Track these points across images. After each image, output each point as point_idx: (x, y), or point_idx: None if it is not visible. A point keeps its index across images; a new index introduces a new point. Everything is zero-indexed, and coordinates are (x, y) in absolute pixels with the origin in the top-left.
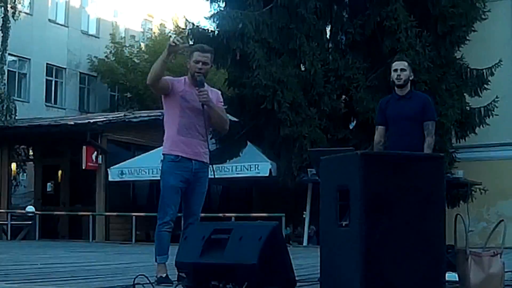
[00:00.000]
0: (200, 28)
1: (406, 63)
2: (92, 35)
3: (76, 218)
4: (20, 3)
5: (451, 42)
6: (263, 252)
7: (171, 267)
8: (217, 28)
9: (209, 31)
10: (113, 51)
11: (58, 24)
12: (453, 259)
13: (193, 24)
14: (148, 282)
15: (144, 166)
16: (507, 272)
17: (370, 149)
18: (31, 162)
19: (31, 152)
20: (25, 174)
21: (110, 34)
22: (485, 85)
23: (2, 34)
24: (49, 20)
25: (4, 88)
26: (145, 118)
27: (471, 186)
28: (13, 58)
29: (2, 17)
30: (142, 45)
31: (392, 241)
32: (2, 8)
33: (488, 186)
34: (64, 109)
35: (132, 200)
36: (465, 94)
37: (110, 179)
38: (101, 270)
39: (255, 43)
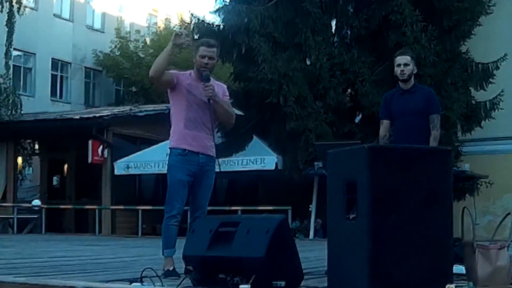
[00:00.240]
0: (205, 22)
1: (409, 57)
2: (97, 30)
3: (82, 212)
4: None
5: (456, 36)
6: (270, 245)
7: (178, 261)
8: (222, 22)
9: (214, 25)
10: (118, 46)
11: (63, 19)
12: (460, 252)
13: (198, 18)
14: (155, 275)
15: (150, 160)
16: None
17: (376, 143)
18: (37, 156)
19: (37, 146)
20: (31, 168)
21: (115, 29)
22: (491, 79)
23: (7, 29)
24: (54, 15)
25: (9, 82)
26: (151, 112)
27: (477, 179)
28: (19, 53)
29: (7, 12)
30: (147, 39)
31: (399, 234)
32: (7, 3)
33: (494, 179)
34: (70, 103)
35: (138, 193)
36: (470, 88)
37: (116, 173)
38: (108, 263)
39: (261, 38)
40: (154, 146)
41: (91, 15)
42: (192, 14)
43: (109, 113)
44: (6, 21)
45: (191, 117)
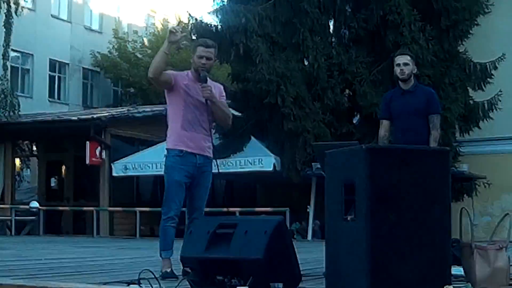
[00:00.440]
0: (203, 23)
1: (409, 57)
2: (95, 31)
3: (80, 214)
4: None
5: (454, 36)
6: (268, 246)
7: (176, 262)
8: (220, 23)
9: (212, 26)
10: (116, 47)
11: (61, 19)
12: (459, 253)
13: (196, 19)
14: (153, 277)
15: (148, 161)
16: None
17: (374, 143)
18: (35, 158)
19: (34, 148)
20: (28, 169)
21: (113, 30)
22: (489, 79)
23: (5, 30)
24: (52, 15)
25: (7, 83)
26: (149, 113)
27: (475, 180)
28: (16, 53)
29: (5, 13)
30: (145, 40)
31: (398, 235)
32: (5, 3)
33: (492, 180)
34: (68, 104)
35: (136, 195)
36: (468, 88)
37: (114, 174)
38: (106, 265)
39: (258, 38)
40: (152, 147)
41: (89, 15)
42: (190, 15)
43: (107, 114)
44: (4, 22)
45: (188, 118)
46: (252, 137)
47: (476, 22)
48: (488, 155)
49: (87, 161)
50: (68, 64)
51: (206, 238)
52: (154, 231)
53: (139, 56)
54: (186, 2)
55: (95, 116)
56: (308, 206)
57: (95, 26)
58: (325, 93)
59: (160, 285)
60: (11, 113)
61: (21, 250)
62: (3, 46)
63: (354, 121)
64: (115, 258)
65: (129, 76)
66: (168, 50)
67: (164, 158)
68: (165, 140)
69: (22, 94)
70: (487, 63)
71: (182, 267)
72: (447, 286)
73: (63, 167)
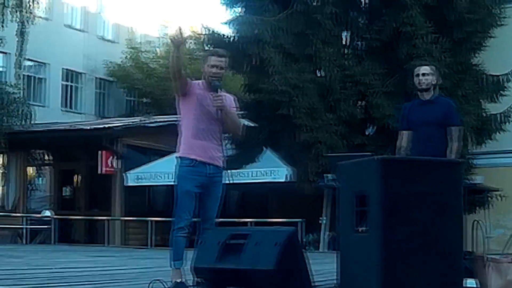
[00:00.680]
0: (217, 34)
1: (429, 68)
2: (109, 40)
3: (93, 223)
4: (36, 7)
5: (468, 48)
6: (280, 257)
7: (187, 272)
8: (234, 33)
9: (226, 36)
10: (130, 57)
11: (75, 29)
12: (472, 266)
13: (209, 29)
14: (163, 287)
15: (160, 171)
16: None
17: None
18: (48, 167)
19: (48, 157)
20: (41, 178)
21: (127, 40)
22: (502, 91)
23: (18, 39)
24: (66, 25)
25: (20, 92)
26: (162, 123)
27: (489, 192)
28: (31, 63)
29: (18, 22)
30: (159, 50)
31: (410, 247)
32: (19, 13)
33: (506, 192)
34: (81, 114)
35: (148, 204)
36: (482, 100)
37: (126, 183)
38: (117, 274)
39: (272, 49)
40: (165, 157)
41: (103, 25)
42: (203, 26)
43: (120, 124)
44: (18, 31)
45: (200, 127)
46: (265, 148)
47: (489, 34)
48: (501, 167)
49: (100, 171)
50: (82, 73)
51: (218, 248)
52: (166, 241)
53: (153, 66)
54: (200, 12)
55: (108, 125)
56: (321, 218)
57: (109, 36)
58: (338, 104)
59: None
60: (24, 122)
61: (32, 259)
62: (17, 55)
63: (367, 133)
64: (126, 268)
65: (143, 86)
66: (177, 53)
67: (175, 167)
68: None
69: (36, 103)
70: (500, 76)
71: (193, 278)
72: None
73: (76, 177)
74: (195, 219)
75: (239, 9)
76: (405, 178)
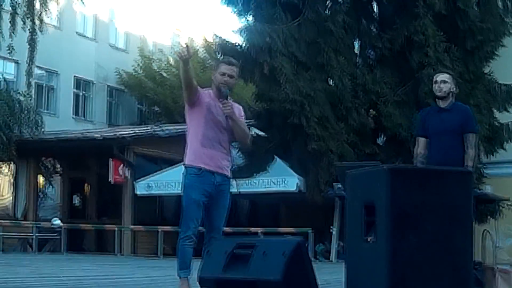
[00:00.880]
0: (228, 42)
1: (448, 75)
2: (120, 49)
3: (103, 232)
4: (46, 15)
5: (479, 57)
6: (287, 268)
7: (194, 282)
8: (245, 42)
9: (237, 45)
10: (141, 65)
11: (86, 37)
12: (481, 276)
13: (220, 38)
14: None
15: (171, 180)
16: None
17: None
18: (58, 175)
19: (58, 165)
20: (51, 187)
21: (139, 48)
22: None
23: (29, 47)
24: (77, 33)
25: (30, 100)
26: (173, 132)
27: (499, 201)
28: (42, 71)
29: (29, 30)
30: (171, 59)
31: (419, 258)
32: (29, 20)
33: None
34: (92, 122)
35: (159, 214)
36: (493, 109)
37: (137, 192)
38: (125, 283)
39: (283, 57)
40: (176, 166)
41: (114, 34)
42: (215, 34)
43: (130, 133)
44: (28, 39)
45: (208, 135)
46: (276, 157)
47: (501, 43)
48: (509, 177)
49: (110, 179)
50: (93, 82)
51: (224, 258)
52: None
53: (164, 75)
54: (212, 21)
55: (118, 134)
56: (331, 227)
57: (121, 44)
58: (349, 113)
59: None
60: (35, 130)
61: (41, 268)
62: (27, 63)
63: (379, 142)
64: (135, 277)
65: (154, 94)
66: (185, 67)
67: (182, 176)
68: None
69: (47, 112)
70: None
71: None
72: None
73: (86, 185)
74: (202, 228)
75: (250, 17)
76: (413, 187)
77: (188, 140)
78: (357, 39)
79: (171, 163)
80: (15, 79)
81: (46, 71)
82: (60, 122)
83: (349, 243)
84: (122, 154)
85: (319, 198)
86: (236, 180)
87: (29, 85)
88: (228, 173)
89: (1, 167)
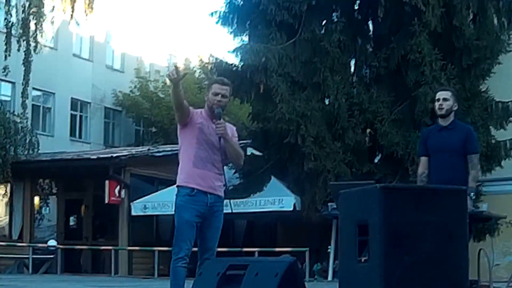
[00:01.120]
0: (224, 62)
1: (449, 93)
2: (116, 70)
3: (99, 252)
4: (41, 36)
5: (476, 75)
6: None
7: None
8: (240, 62)
9: (233, 65)
10: (138, 86)
11: (82, 58)
12: None
13: (216, 58)
14: None
15: (167, 200)
16: None
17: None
18: (54, 196)
19: (54, 186)
20: (48, 208)
21: (135, 69)
22: (510, 118)
23: (24, 68)
24: (73, 54)
25: (26, 121)
26: (169, 153)
27: (496, 220)
28: (38, 92)
29: (24, 51)
30: (167, 79)
31: (413, 277)
32: (24, 42)
33: None
34: (89, 143)
35: (155, 234)
36: (490, 127)
37: (133, 213)
38: None
39: (279, 77)
40: (172, 187)
41: (110, 55)
42: (210, 55)
43: (126, 153)
44: (23, 60)
45: (201, 156)
46: (273, 177)
47: (497, 61)
48: (510, 194)
49: (106, 200)
50: (89, 103)
51: (216, 280)
52: None
53: (161, 95)
54: (208, 41)
55: (114, 155)
56: (329, 246)
57: (117, 65)
58: (345, 132)
59: None
60: (31, 152)
61: None
62: (23, 84)
63: (376, 161)
64: None
65: (151, 115)
66: (176, 89)
67: (175, 197)
68: None
69: (44, 133)
70: (509, 102)
71: None
72: None
73: (83, 206)
74: (195, 249)
75: (246, 37)
76: (407, 206)
77: (180, 160)
78: (353, 58)
79: (167, 183)
80: (11, 100)
81: (43, 92)
82: (57, 143)
83: (342, 262)
84: (118, 175)
85: (315, 217)
86: (230, 201)
87: (24, 106)
88: (221, 194)
89: None
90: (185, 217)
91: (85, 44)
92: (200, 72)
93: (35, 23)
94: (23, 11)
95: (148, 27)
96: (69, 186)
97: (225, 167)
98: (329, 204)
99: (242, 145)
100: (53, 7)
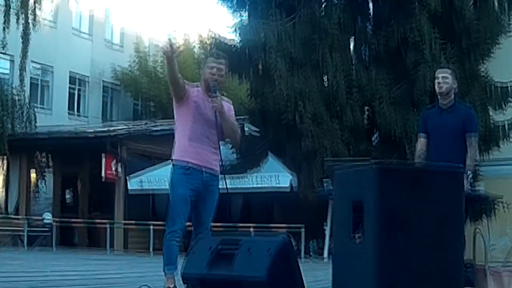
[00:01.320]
0: (223, 39)
1: (449, 71)
2: (116, 45)
3: (95, 228)
4: (41, 11)
5: (475, 57)
6: (272, 266)
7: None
8: (239, 39)
9: (231, 42)
10: (136, 62)
11: (82, 34)
12: (472, 277)
13: (215, 35)
14: None
15: (164, 176)
16: None
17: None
18: (51, 171)
19: (50, 161)
20: (44, 182)
21: (134, 45)
22: (510, 100)
23: (22, 42)
24: (73, 30)
25: (24, 96)
26: (166, 128)
27: (492, 200)
28: (37, 66)
29: (22, 26)
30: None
31: (408, 258)
32: (23, 16)
33: (511, 201)
34: (87, 118)
35: (152, 210)
36: (489, 108)
37: (129, 187)
38: (112, 279)
39: (277, 55)
40: (169, 163)
41: (110, 30)
42: (209, 32)
43: (123, 129)
44: (21, 35)
45: (196, 131)
46: (269, 155)
47: (497, 42)
48: (507, 176)
49: (103, 175)
50: (88, 78)
51: (209, 256)
52: None
53: (160, 71)
54: (207, 18)
55: (111, 130)
56: (324, 224)
57: (116, 41)
58: (343, 111)
59: None
60: (27, 126)
61: (29, 263)
62: (21, 58)
63: (373, 140)
64: (123, 273)
65: (149, 91)
66: (170, 63)
67: (170, 173)
68: None
69: (42, 108)
70: (508, 84)
71: (184, 284)
72: None
73: (79, 181)
74: (189, 225)
75: (245, 15)
76: (403, 187)
77: (176, 136)
78: (352, 38)
79: (164, 159)
80: (9, 75)
81: (41, 67)
82: (55, 118)
83: (336, 241)
84: (115, 150)
85: (312, 196)
86: (225, 176)
87: (22, 80)
88: (217, 169)
89: None
90: (180, 192)
91: (84, 19)
92: (199, 49)
93: None
94: None
95: (147, 3)
96: (65, 161)
97: (222, 144)
98: (324, 180)
99: (240, 123)
100: None
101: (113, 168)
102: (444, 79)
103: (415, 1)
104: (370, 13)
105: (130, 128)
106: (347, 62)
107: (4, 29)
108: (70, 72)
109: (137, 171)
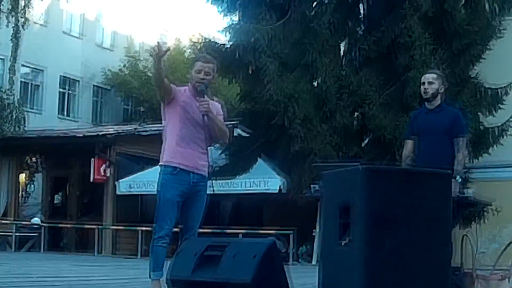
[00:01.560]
0: (213, 42)
1: (435, 75)
2: (107, 48)
3: (84, 231)
4: (30, 12)
5: (466, 60)
6: (257, 270)
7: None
8: (230, 41)
9: (222, 44)
10: (127, 64)
11: (73, 35)
12: (460, 282)
13: (206, 38)
14: None
15: (153, 180)
16: None
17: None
18: (41, 173)
19: (40, 163)
20: (34, 185)
21: (125, 47)
22: (500, 104)
23: (12, 44)
24: (64, 32)
25: (13, 98)
26: (156, 132)
27: (482, 206)
28: (28, 69)
29: (13, 27)
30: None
31: (395, 261)
32: (13, 18)
33: (502, 206)
34: (77, 121)
35: (140, 213)
36: (479, 113)
37: (118, 192)
38: (99, 284)
39: (268, 57)
40: (158, 166)
41: (101, 33)
42: (200, 34)
43: (113, 132)
44: (12, 36)
45: (184, 134)
46: (259, 158)
47: (488, 46)
48: (497, 181)
49: (92, 178)
50: (79, 80)
51: (194, 260)
52: None
53: (150, 74)
54: (199, 21)
55: (101, 133)
56: (314, 230)
57: (107, 44)
58: (333, 115)
59: None
60: (17, 128)
61: (16, 267)
62: (10, 60)
63: (363, 144)
64: (110, 277)
65: (140, 94)
66: (158, 65)
67: (158, 175)
68: None
69: (32, 109)
70: (498, 88)
71: None
72: None
73: (68, 184)
74: (176, 229)
75: (236, 17)
76: (390, 189)
77: (164, 138)
78: (343, 40)
79: (153, 162)
80: (0, 77)
81: (32, 69)
82: (45, 120)
83: (324, 245)
84: (104, 153)
85: (302, 199)
86: (213, 181)
87: (11, 82)
88: (205, 173)
89: None
90: (167, 196)
91: (75, 21)
92: (190, 52)
93: None
94: None
95: (139, 6)
96: (55, 163)
97: (212, 147)
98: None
99: (229, 125)
100: None
101: (102, 171)
102: (430, 84)
103: (406, 3)
104: (361, 15)
105: (119, 130)
106: (337, 65)
107: None
108: (61, 73)
109: (127, 174)
